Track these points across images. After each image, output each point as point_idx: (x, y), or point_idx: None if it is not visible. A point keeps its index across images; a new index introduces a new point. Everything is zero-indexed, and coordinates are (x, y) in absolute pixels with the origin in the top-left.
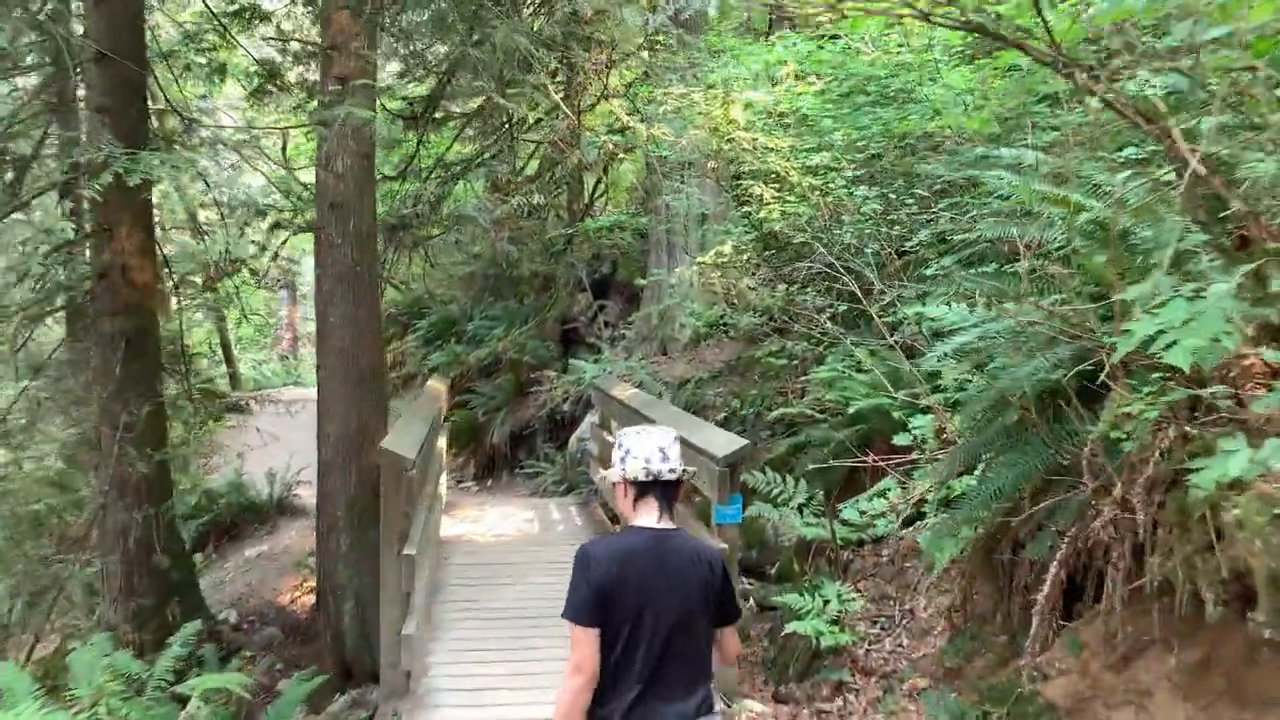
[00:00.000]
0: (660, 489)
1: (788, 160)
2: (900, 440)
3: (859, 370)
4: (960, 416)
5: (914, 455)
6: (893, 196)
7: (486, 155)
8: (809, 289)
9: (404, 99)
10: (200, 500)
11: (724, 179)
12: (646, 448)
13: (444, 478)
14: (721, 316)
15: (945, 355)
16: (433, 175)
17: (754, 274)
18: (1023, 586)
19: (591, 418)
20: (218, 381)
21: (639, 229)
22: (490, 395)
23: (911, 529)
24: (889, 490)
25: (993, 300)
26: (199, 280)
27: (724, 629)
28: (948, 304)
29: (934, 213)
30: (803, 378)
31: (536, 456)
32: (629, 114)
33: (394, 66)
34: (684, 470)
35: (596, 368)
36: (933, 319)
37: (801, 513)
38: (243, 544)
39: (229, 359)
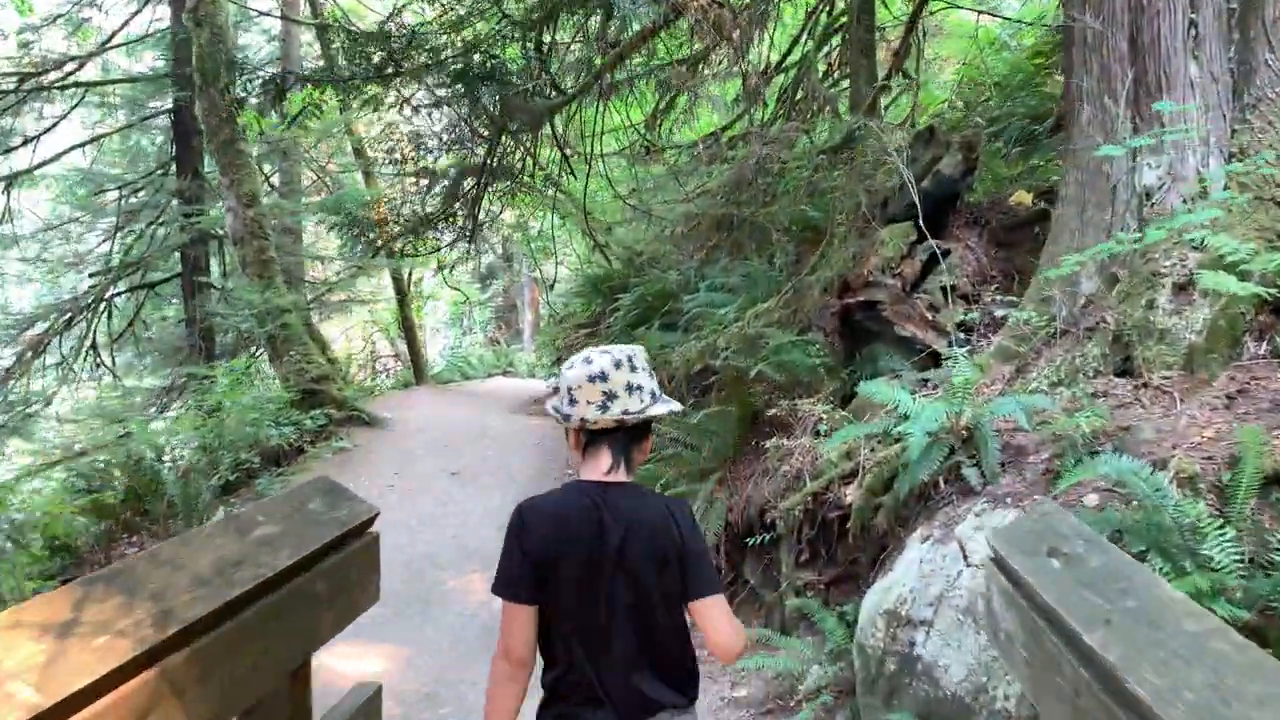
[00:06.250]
0: (610, 436)
1: None
2: None
3: None
4: None
5: None
6: None
7: None
8: None
9: None
10: None
11: None
12: (587, 381)
13: None
14: None
15: None
16: None
17: None
18: None
19: (928, 548)
20: (343, 384)
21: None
22: (692, 445)
23: None
24: None
25: None
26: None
27: (702, 601)
28: None
29: None
30: None
31: (780, 594)
32: None
33: None
34: (642, 414)
35: (938, 407)
36: None
37: None
38: None
39: (412, 344)
